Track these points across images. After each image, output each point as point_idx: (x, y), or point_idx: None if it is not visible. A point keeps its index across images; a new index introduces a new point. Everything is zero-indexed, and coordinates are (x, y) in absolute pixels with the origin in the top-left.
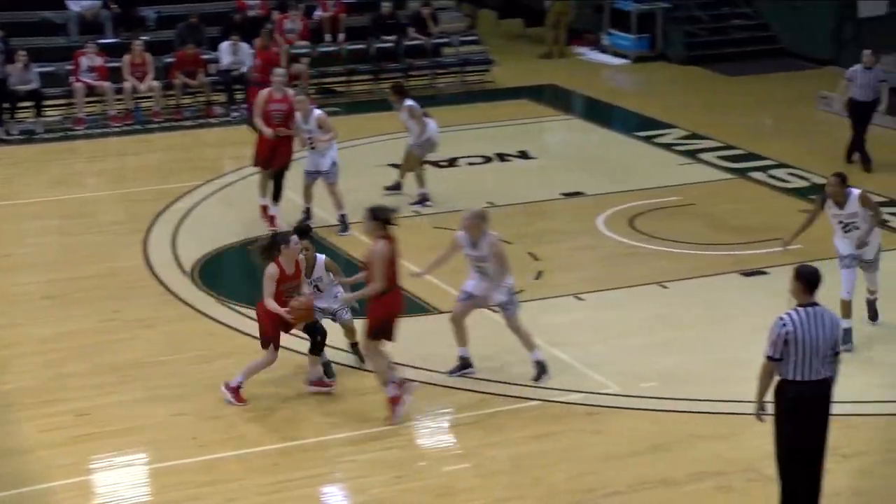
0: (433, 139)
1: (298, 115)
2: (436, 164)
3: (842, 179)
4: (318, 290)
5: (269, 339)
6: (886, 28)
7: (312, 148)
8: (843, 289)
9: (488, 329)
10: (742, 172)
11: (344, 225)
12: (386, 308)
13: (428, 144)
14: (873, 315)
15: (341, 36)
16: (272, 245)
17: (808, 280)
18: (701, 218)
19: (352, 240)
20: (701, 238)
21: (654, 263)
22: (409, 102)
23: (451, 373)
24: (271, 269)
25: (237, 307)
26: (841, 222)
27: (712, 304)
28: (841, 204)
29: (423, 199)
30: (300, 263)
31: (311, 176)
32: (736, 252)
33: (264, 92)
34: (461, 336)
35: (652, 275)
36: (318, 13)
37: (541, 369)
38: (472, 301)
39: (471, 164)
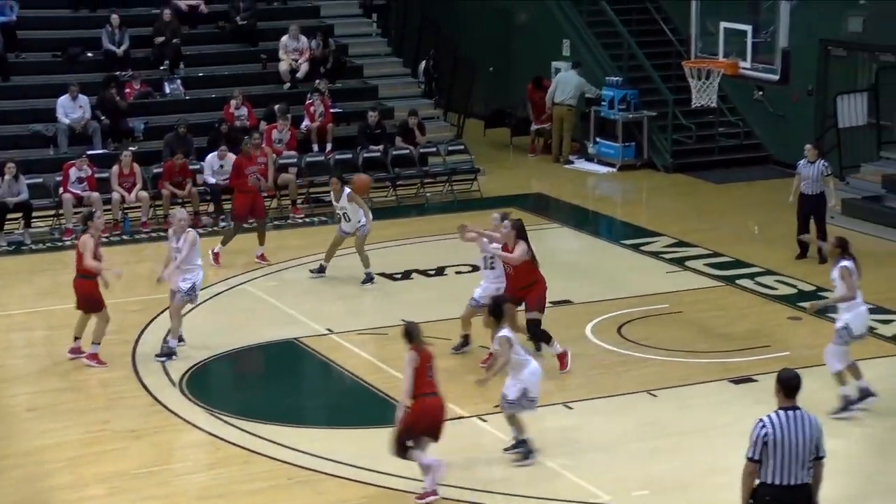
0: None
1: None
2: (424, 272)
3: None
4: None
5: None
6: (866, 138)
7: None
8: None
9: (464, 440)
10: (730, 280)
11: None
12: None
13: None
14: None
15: (329, 146)
16: None
17: (786, 384)
18: (689, 325)
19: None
20: (690, 345)
21: (644, 371)
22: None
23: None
24: None
25: (225, 417)
26: None
27: (702, 411)
28: None
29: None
30: None
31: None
32: (725, 360)
33: None
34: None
35: (641, 383)
36: (305, 123)
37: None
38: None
39: (458, 272)
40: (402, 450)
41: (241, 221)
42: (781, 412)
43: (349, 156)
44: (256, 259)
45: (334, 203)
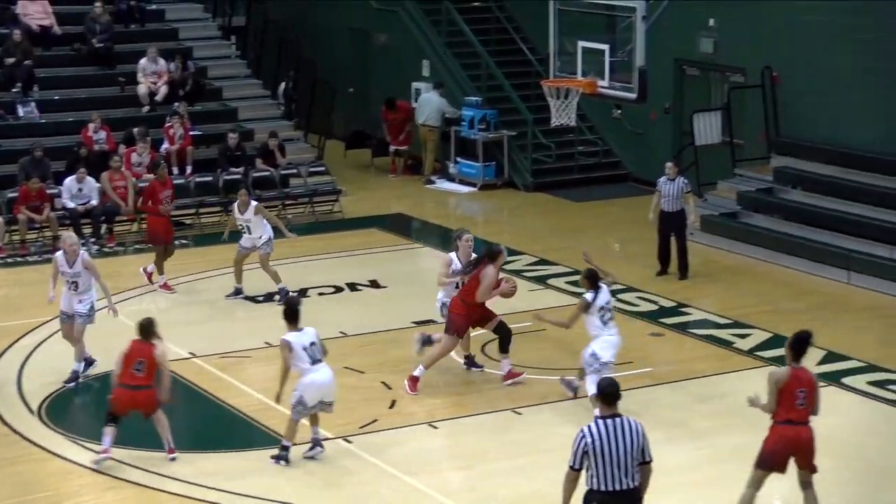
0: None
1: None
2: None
3: None
4: None
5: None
6: (721, 155)
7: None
8: None
9: (328, 461)
10: None
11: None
12: (774, 438)
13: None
14: None
15: (189, 168)
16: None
17: (604, 393)
18: (552, 343)
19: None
20: (553, 363)
21: (508, 389)
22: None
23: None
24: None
25: (87, 444)
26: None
27: (566, 428)
28: None
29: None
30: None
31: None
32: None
33: None
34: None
35: (505, 401)
36: (165, 146)
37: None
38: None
39: (321, 294)
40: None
41: (161, 244)
42: (601, 421)
43: (210, 178)
44: (159, 287)
45: (237, 215)
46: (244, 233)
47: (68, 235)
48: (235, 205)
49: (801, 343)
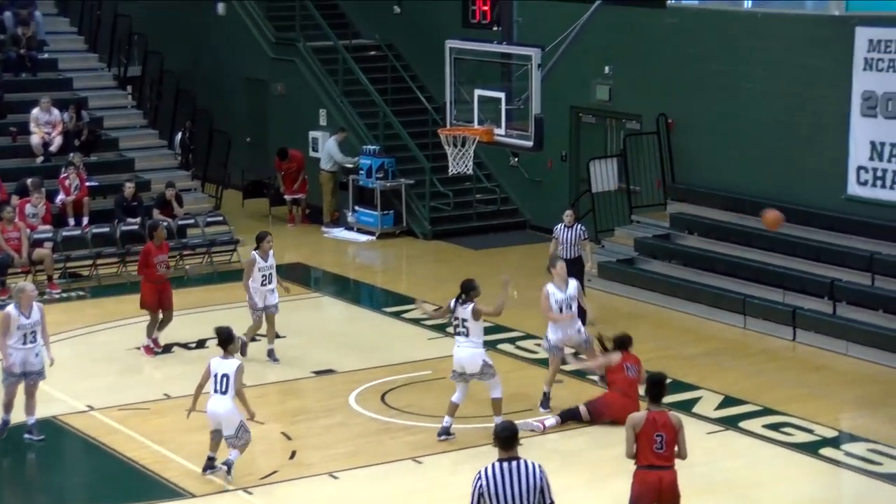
0: None
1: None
2: (185, 346)
3: None
4: None
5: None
6: (618, 202)
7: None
8: None
9: None
10: (490, 345)
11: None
12: (637, 483)
13: None
14: None
15: (85, 220)
16: None
17: (499, 436)
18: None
19: None
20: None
21: (408, 438)
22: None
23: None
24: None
25: None
26: None
27: (467, 476)
28: None
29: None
30: None
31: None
32: (489, 424)
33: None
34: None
35: (406, 450)
36: (60, 197)
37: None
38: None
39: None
40: None
41: (153, 310)
42: (497, 463)
43: (107, 229)
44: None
45: (262, 264)
46: (265, 283)
47: (26, 284)
48: (256, 254)
49: (655, 385)
